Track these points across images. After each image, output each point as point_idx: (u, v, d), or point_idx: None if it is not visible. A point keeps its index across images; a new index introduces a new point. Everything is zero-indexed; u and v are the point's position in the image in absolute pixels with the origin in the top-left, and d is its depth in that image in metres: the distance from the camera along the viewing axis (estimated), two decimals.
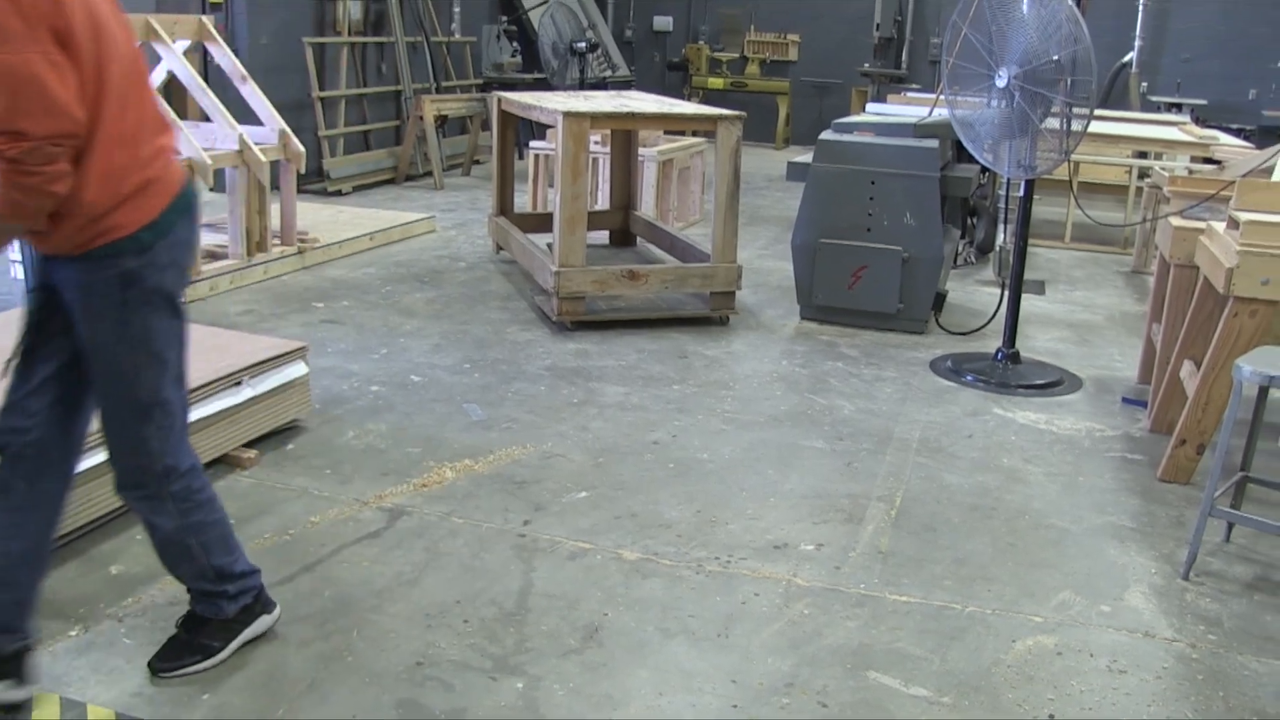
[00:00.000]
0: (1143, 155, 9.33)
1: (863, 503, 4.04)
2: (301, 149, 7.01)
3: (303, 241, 7.19)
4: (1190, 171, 7.15)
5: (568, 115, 5.78)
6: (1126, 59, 13.65)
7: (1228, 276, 3.99)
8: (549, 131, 8.24)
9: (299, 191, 7.44)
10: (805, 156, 6.42)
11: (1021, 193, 5.54)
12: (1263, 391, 3.78)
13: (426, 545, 3.56)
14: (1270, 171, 5.11)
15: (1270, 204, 4.17)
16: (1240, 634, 3.31)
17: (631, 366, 5.43)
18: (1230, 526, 3.90)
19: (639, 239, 7.93)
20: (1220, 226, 4.35)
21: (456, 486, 4.01)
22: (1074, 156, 5.34)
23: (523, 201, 8.69)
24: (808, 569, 3.52)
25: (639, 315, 6.13)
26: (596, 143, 8.37)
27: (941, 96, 5.75)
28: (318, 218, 7.96)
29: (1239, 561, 3.77)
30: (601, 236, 7.95)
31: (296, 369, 4.39)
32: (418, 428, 4.56)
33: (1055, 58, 5.12)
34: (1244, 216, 4.05)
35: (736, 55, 15.59)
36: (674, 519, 3.83)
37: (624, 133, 7.90)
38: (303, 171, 7.20)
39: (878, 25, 14.80)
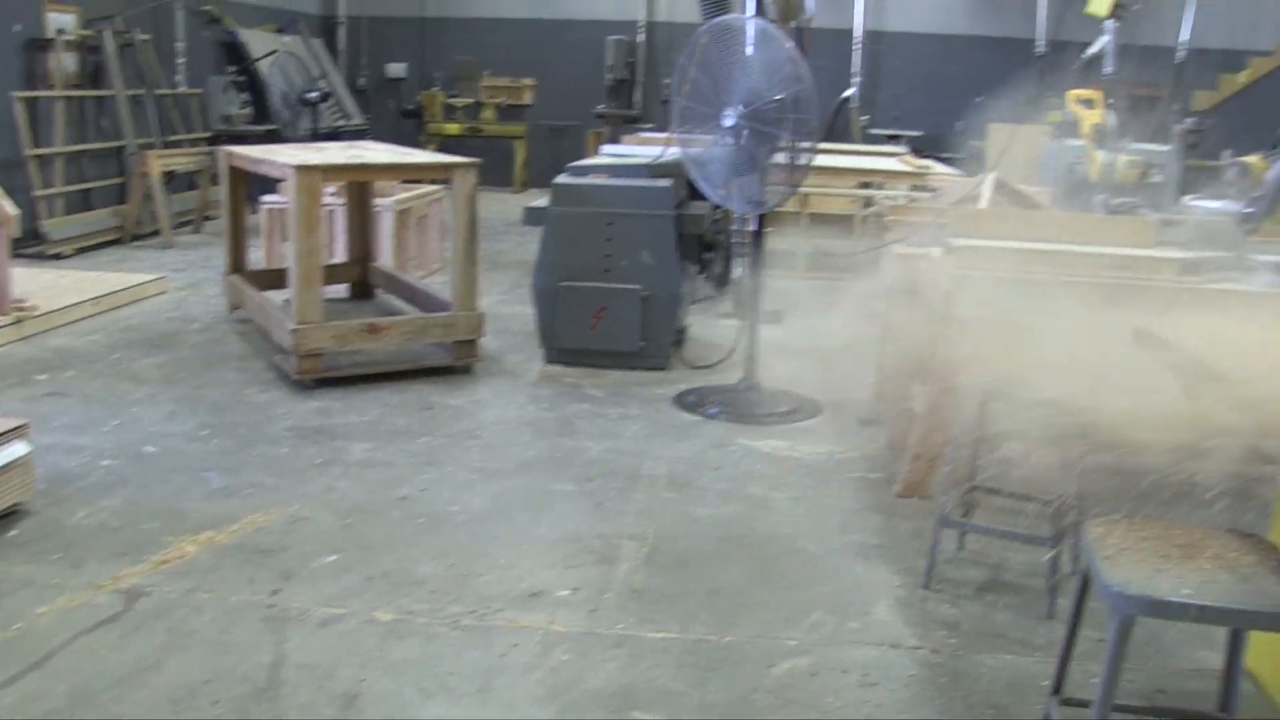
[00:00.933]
0: (867, 185, 9.80)
1: (615, 542, 4.05)
2: (13, 211, 6.59)
3: (19, 310, 6.74)
4: (909, 201, 7.54)
5: (299, 169, 5.63)
6: (847, 95, 14.36)
7: (945, 299, 4.21)
8: (281, 185, 8.02)
9: (14, 256, 6.99)
10: (543, 200, 6.45)
11: (754, 227, 5.71)
12: (983, 404, 3.98)
13: (169, 626, 3.36)
14: (978, 198, 5.44)
15: (980, 230, 4.43)
16: (976, 634, 3.48)
17: (376, 422, 5.31)
18: (963, 534, 4.10)
19: (379, 291, 7.79)
20: (937, 252, 4.59)
21: (199, 560, 3.81)
22: (803, 189, 5.55)
23: (257, 258, 8.42)
24: (565, 614, 3.51)
25: (382, 369, 6.00)
26: (331, 194, 8.20)
27: (674, 137, 5.87)
28: (37, 283, 7.48)
29: (972, 566, 3.97)
30: (340, 290, 7.77)
31: (16, 449, 4.09)
32: (154, 501, 4.31)
33: (779, 97, 5.31)
34: (957, 242, 4.29)
35: (472, 101, 15.58)
36: (427, 575, 3.74)
37: (358, 183, 7.76)
38: (17, 235, 6.77)
39: (610, 67, 15.08)
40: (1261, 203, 4.59)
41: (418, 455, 4.88)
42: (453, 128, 15.08)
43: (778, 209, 5.69)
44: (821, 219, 10.42)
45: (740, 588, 3.73)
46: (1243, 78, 14.55)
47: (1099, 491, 4.34)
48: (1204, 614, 2.31)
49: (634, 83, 15.40)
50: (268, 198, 8.67)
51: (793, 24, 7.09)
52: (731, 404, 5.61)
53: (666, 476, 4.73)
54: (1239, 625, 2.44)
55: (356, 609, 3.50)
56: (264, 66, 12.10)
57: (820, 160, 8.39)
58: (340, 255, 8.12)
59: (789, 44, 5.24)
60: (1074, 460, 3.80)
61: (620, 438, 5.20)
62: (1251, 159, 4.64)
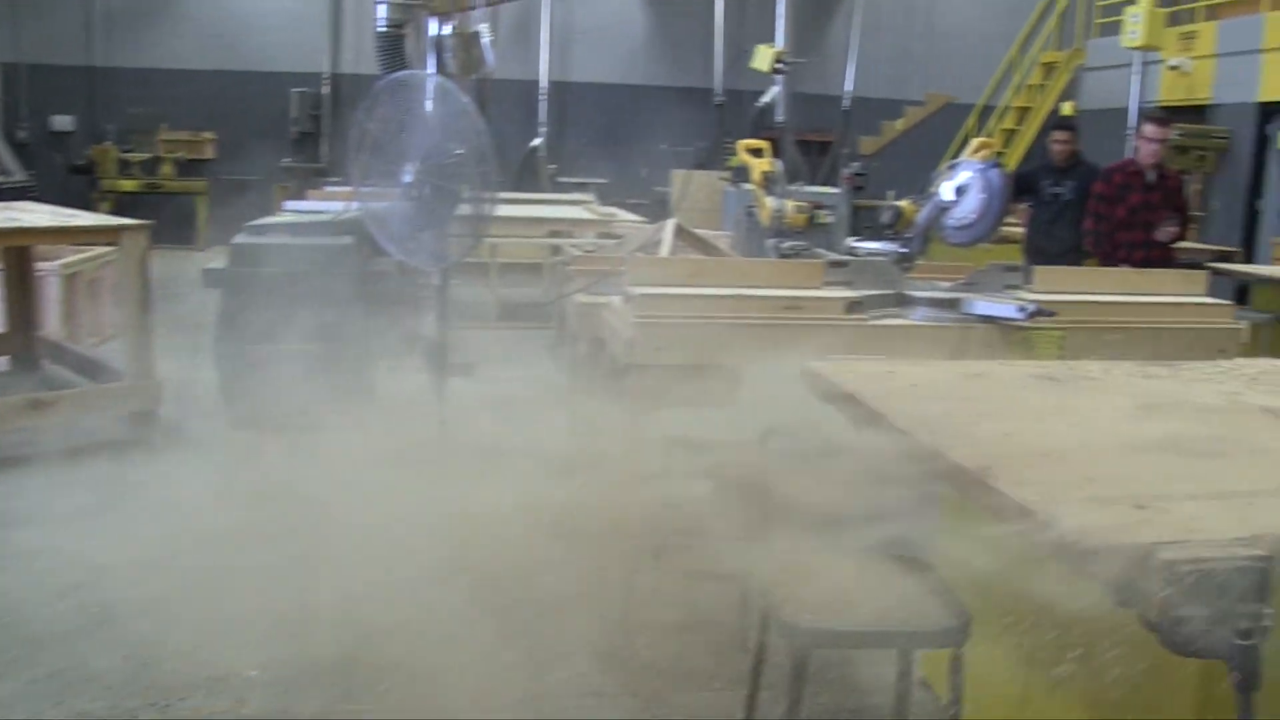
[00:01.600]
0: (557, 234, 9.95)
1: (312, 614, 3.90)
2: None
3: None
4: (592, 248, 7.69)
5: None
6: (535, 144, 14.58)
7: (627, 346, 4.31)
8: None
9: None
10: (222, 261, 6.22)
11: (439, 281, 5.68)
12: (668, 448, 4.08)
13: None
14: (660, 245, 5.60)
15: (658, 277, 4.56)
16: (674, 674, 3.58)
17: (46, 504, 4.94)
18: (658, 577, 4.17)
19: (45, 362, 7.28)
20: (618, 300, 4.69)
21: None
22: (492, 239, 5.56)
23: None
24: (254, 695, 3.35)
25: (51, 447, 5.60)
26: None
27: (355, 192, 5.78)
28: None
29: (669, 608, 4.04)
30: (1, 364, 7.23)
31: None
32: None
33: (458, 151, 5.31)
34: (636, 290, 4.39)
35: (149, 155, 14.89)
36: (102, 669, 3.50)
37: (17, 248, 7.25)
38: None
39: (294, 120, 14.76)
40: (915, 243, 4.95)
41: (92, 538, 4.56)
42: (129, 184, 14.38)
43: (465, 261, 5.68)
44: (512, 268, 10.51)
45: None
46: (900, 124, 15.70)
47: (777, 524, 4.55)
48: (870, 639, 2.44)
49: (319, 135, 15.13)
50: None
51: (474, 77, 7.14)
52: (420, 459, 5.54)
53: (364, 538, 4.60)
54: (905, 646, 2.59)
55: (19, 713, 3.24)
56: None
57: (507, 210, 8.45)
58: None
59: (466, 99, 5.25)
60: (754, 498, 3.96)
61: (314, 502, 5.02)
62: (903, 203, 4.99)
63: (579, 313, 5.07)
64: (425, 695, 3.38)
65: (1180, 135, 12.19)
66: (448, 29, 5.76)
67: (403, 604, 4.02)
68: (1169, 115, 10.99)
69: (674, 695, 3.43)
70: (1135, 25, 12.52)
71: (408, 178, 5.29)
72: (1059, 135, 8.05)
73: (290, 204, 8.58)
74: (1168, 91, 13.53)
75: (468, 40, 5.95)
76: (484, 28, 6.06)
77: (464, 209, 5.42)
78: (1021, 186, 7.95)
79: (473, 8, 7.19)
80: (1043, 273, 5.10)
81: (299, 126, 14.80)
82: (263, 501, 5.03)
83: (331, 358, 5.94)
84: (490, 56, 6.30)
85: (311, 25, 14.97)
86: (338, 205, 6.95)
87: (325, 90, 15.18)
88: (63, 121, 15.09)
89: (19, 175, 13.82)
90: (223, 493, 5.16)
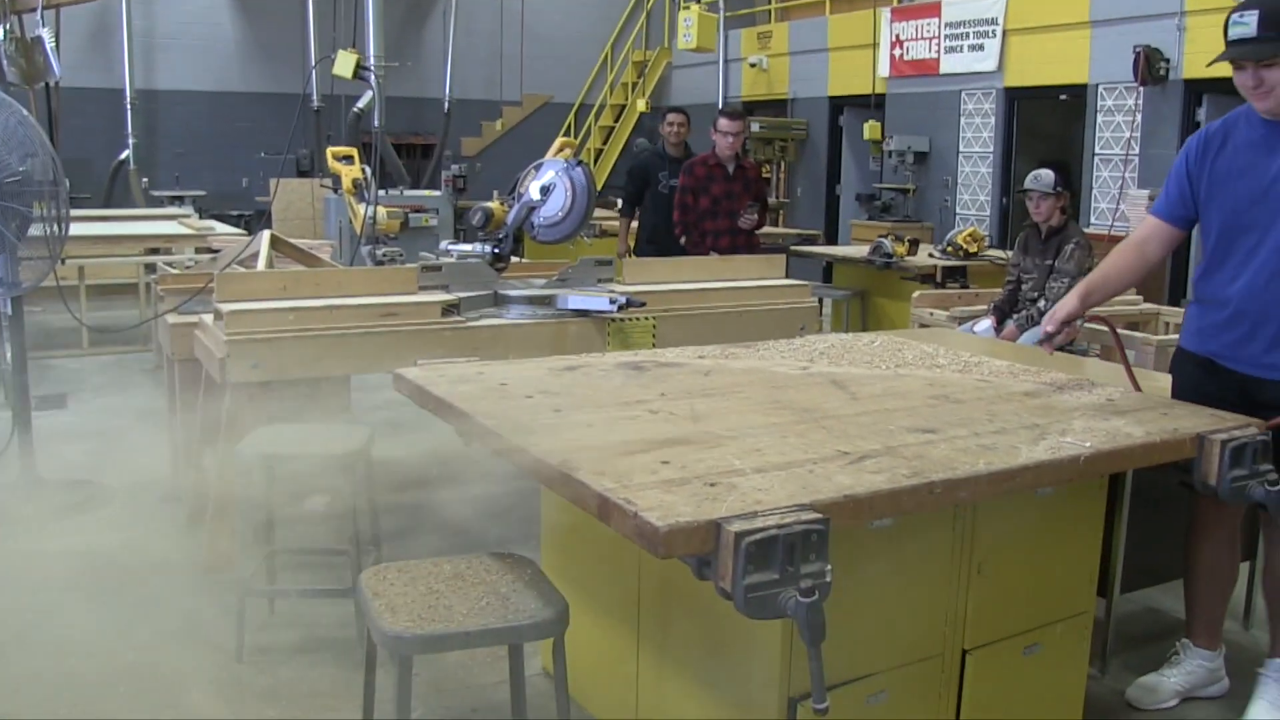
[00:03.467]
0: (155, 250, 9.44)
1: None
2: None
3: None
4: (191, 264, 7.37)
5: None
6: (124, 156, 13.75)
7: (221, 365, 4.16)
8: None
9: None
10: None
11: (9, 309, 5.27)
12: (268, 467, 3.97)
13: None
14: (256, 257, 5.43)
15: (250, 292, 4.42)
16: (293, 698, 3.50)
17: None
18: (271, 600, 4.07)
19: None
20: (210, 318, 4.52)
21: None
22: (80, 260, 5.21)
23: None
24: None
25: None
26: None
27: None
28: None
29: (286, 629, 3.96)
30: None
31: None
32: None
33: (21, 168, 4.95)
34: (226, 308, 4.24)
35: None
36: None
37: None
38: None
39: None
40: (506, 243, 5.04)
41: None
42: None
43: (47, 283, 5.29)
44: (106, 290, 9.88)
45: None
46: (500, 125, 15.95)
47: (393, 533, 4.55)
48: (472, 639, 2.49)
49: None
50: None
51: (38, 85, 6.68)
52: (8, 505, 5.12)
53: None
54: (507, 641, 2.65)
55: None
56: None
57: (98, 228, 7.98)
58: None
59: (20, 109, 4.89)
60: (365, 507, 3.93)
61: None
62: (493, 204, 5.07)
63: (172, 334, 4.84)
64: None
65: (762, 128, 13.06)
66: (1, 35, 5.35)
67: None
68: (747, 110, 11.75)
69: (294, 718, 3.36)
70: (689, 29, 13.44)
71: None
72: (675, 117, 8.18)
73: None
74: (750, 88, 14.45)
75: (28, 47, 5.55)
76: (45, 33, 5.66)
77: (35, 229, 5.06)
78: (638, 183, 8.13)
79: (31, 9, 6.68)
80: (631, 265, 5.33)
81: None
82: None
83: None
84: (55, 64, 5.91)
85: None
86: None
87: None
88: None
89: None
90: None
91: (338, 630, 3.94)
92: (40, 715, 3.38)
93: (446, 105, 14.69)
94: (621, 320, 4.71)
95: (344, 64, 6.25)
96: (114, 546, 4.74)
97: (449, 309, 4.56)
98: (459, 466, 5.68)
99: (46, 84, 6.89)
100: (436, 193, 9.30)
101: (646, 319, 4.78)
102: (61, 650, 3.80)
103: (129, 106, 13.92)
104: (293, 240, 6.07)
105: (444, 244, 5.24)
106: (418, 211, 6.23)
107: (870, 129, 12.33)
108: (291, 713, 3.40)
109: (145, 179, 13.85)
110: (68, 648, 3.82)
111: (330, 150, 5.77)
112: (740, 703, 2.71)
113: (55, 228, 5.06)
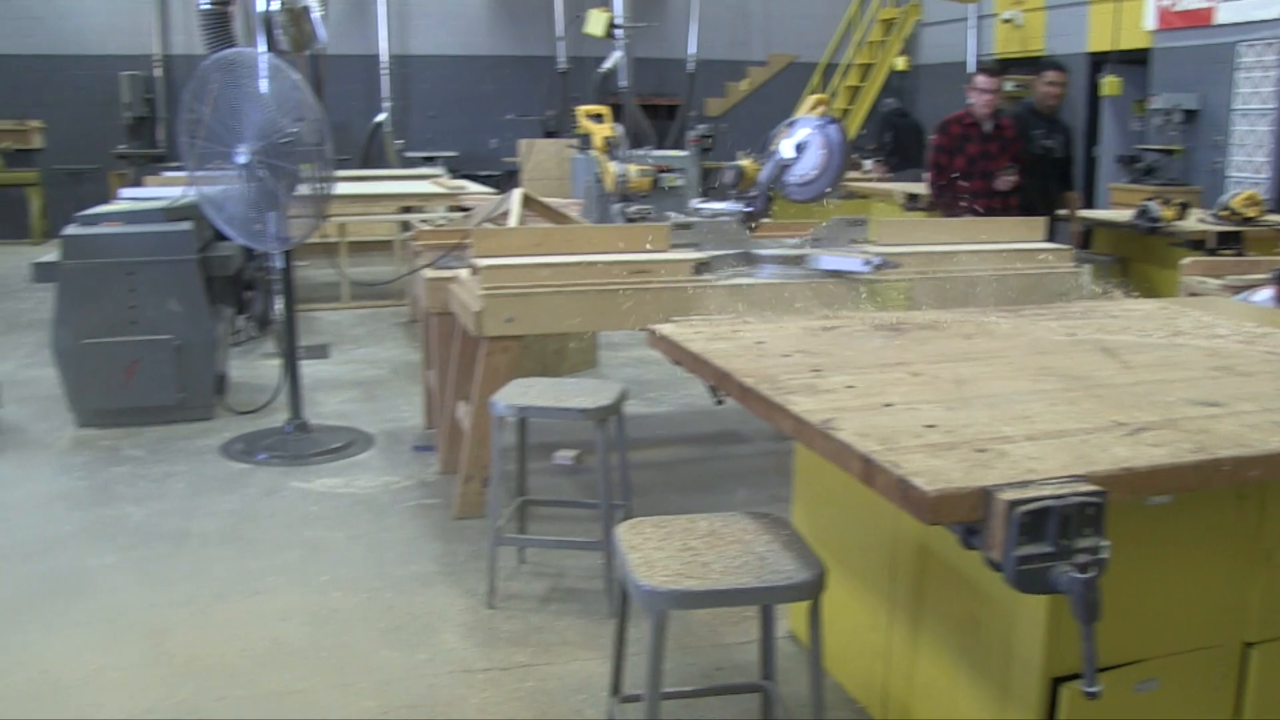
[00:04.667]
0: (408, 209, 9.79)
1: (165, 613, 3.79)
2: None
3: None
4: (444, 222, 7.58)
5: None
6: (380, 119, 14.31)
7: (477, 319, 4.26)
8: None
9: None
10: (54, 254, 5.96)
11: (282, 263, 5.54)
12: (520, 420, 4.05)
13: None
14: (508, 215, 5.53)
15: (505, 248, 4.50)
16: (542, 646, 3.56)
17: None
18: (520, 549, 4.16)
19: None
20: (466, 273, 4.63)
21: None
22: (340, 218, 5.44)
23: None
24: (112, 700, 3.24)
25: None
26: None
27: (191, 177, 5.59)
28: None
29: (534, 579, 4.05)
30: None
31: None
32: None
33: (293, 130, 5.18)
34: (482, 262, 4.34)
35: None
36: None
37: None
38: None
39: (127, 105, 14.20)
40: (758, 201, 4.97)
41: None
42: None
43: (312, 240, 5.56)
44: (362, 247, 10.33)
45: (296, 645, 3.60)
46: (745, 85, 15.83)
47: (638, 488, 4.57)
48: (727, 597, 2.45)
49: (155, 120, 14.60)
50: None
51: (307, 53, 6.96)
52: (281, 447, 5.42)
53: (217, 532, 4.49)
54: (762, 602, 2.61)
55: None
56: None
57: (356, 188, 8.31)
58: None
59: (296, 75, 5.11)
60: (617, 462, 3.96)
61: (165, 498, 4.88)
62: (745, 162, 5.01)
63: (428, 288, 4.98)
64: (293, 682, 3.31)
65: (1016, 86, 12.54)
66: (275, 4, 5.59)
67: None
68: (1003, 66, 11.28)
69: (542, 667, 3.42)
70: None
71: (242, 159, 5.14)
72: (1055, 75, 7.67)
73: (126, 192, 8.25)
74: (1003, 44, 13.88)
75: (297, 15, 5.77)
76: (314, 2, 5.89)
77: (303, 189, 5.30)
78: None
79: None
80: (884, 226, 5.18)
81: (132, 111, 14.23)
82: (115, 500, 4.87)
83: (178, 346, 5.76)
84: (322, 31, 6.13)
85: (138, 5, 14.39)
86: (175, 191, 6.70)
87: (157, 73, 14.63)
88: None
89: None
90: (69, 494, 4.97)
91: (584, 582, 3.99)
92: (306, 644, 3.54)
93: (692, 65, 14.66)
94: (875, 282, 4.59)
95: (596, 22, 6.29)
96: (372, 490, 4.95)
97: (700, 267, 4.54)
98: (704, 425, 5.70)
99: (313, 51, 7.18)
100: (683, 153, 9.29)
101: (901, 281, 4.64)
102: (328, 585, 3.98)
103: (384, 72, 14.48)
104: (542, 199, 6.16)
105: (694, 202, 5.22)
106: (665, 171, 6.21)
107: (1110, 84, 11.65)
108: (540, 659, 3.46)
109: (400, 141, 14.38)
110: (332, 583, 4.00)
111: (581, 109, 5.82)
112: (998, 681, 2.59)
113: (321, 187, 5.28)
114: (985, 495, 1.99)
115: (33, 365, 7.31)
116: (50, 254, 6.02)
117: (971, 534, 2.05)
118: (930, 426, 2.33)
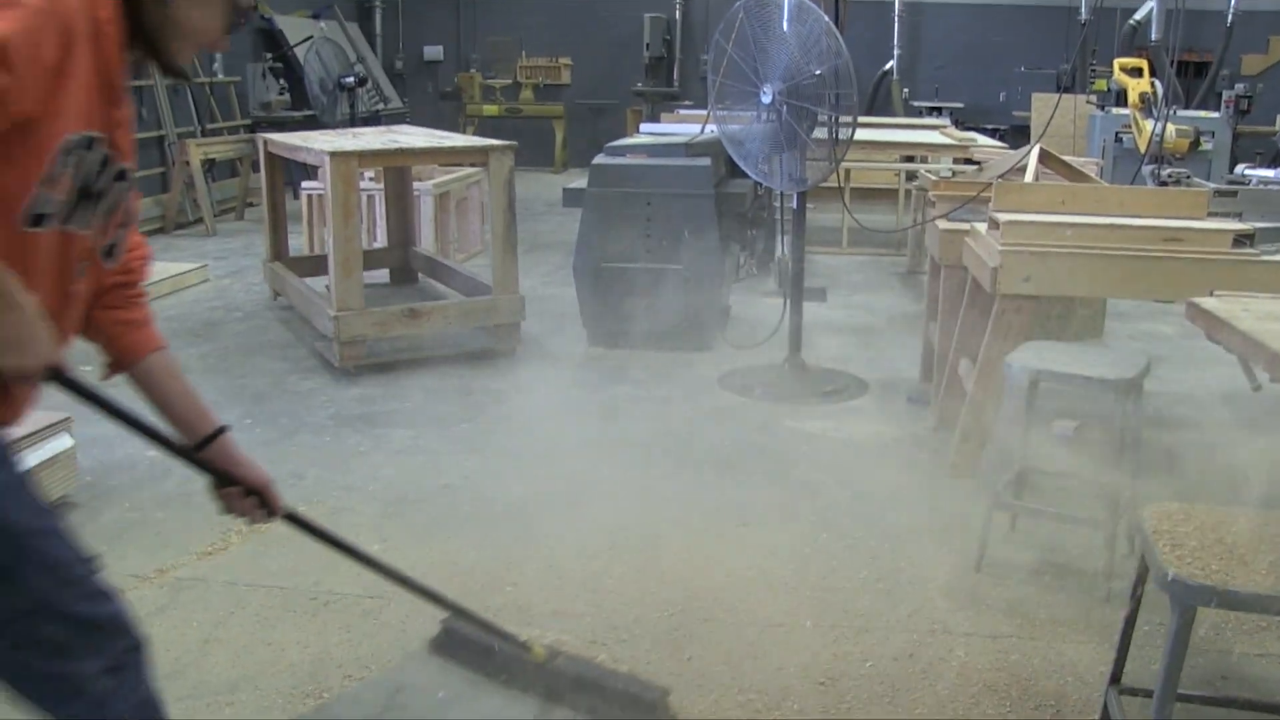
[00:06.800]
0: (910, 159, 9.68)
1: (658, 529, 3.98)
2: None
3: None
4: (953, 174, 7.42)
5: (334, 155, 5.60)
6: (888, 67, 14.21)
7: (993, 275, 4.12)
8: (319, 171, 8.00)
9: None
10: (582, 181, 6.40)
11: (795, 204, 5.63)
12: (1033, 384, 3.89)
13: (214, 618, 3.34)
14: (1024, 171, 5.32)
15: (1025, 204, 4.33)
16: (1029, 619, 3.41)
17: (418, 408, 5.28)
18: (1015, 516, 4.01)
19: (420, 275, 7.76)
20: (983, 227, 4.49)
21: (242, 551, 3.79)
22: (845, 164, 5.46)
23: (298, 244, 8.39)
24: (606, 606, 3.45)
25: (424, 354, 5.98)
26: (370, 179, 8.19)
27: (712, 114, 5.80)
28: None
29: (1025, 548, 3.88)
30: (382, 275, 7.75)
31: (61, 442, 4.09)
32: (198, 493, 4.28)
33: (817, 72, 5.22)
34: (1003, 217, 4.19)
35: (510, 81, 15.55)
36: (471, 565, 3.70)
37: (396, 168, 7.73)
38: None
39: (648, 45, 14.97)
40: None
41: (460, 442, 4.85)
42: (491, 109, 15.05)
43: (819, 185, 5.61)
44: (864, 194, 10.32)
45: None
46: None
47: (1151, 472, 4.26)
48: (1270, 604, 2.23)
49: (672, 60, 15.31)
50: (308, 184, 8.68)
51: None
52: (776, 384, 5.54)
53: (711, 461, 4.66)
54: None
55: (401, 598, 3.46)
56: (300, 52, 12.10)
57: (861, 135, 8.30)
58: (381, 240, 8.11)
59: (825, 18, 5.14)
60: (1126, 441, 3.72)
61: (665, 420, 5.14)
62: None
63: (940, 239, 4.89)
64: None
65: None
66: None
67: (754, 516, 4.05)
68: None
69: (1027, 641, 3.28)
70: None
71: (766, 99, 5.25)
72: None
73: (646, 126, 8.71)
74: None
75: None
76: None
77: (820, 132, 5.34)
78: None
79: None
80: None
81: (651, 51, 15.00)
82: (620, 417, 5.18)
83: (687, 278, 6.02)
84: None
85: None
86: (692, 128, 6.98)
87: (678, 15, 15.31)
88: (433, 52, 15.98)
89: (396, 102, 14.77)
90: (580, 407, 5.34)
91: (1080, 560, 3.79)
92: (792, 580, 3.60)
93: (1230, 18, 13.40)
94: None
95: None
96: (863, 437, 4.95)
97: (1241, 239, 4.14)
98: (1228, 411, 5.24)
99: None
100: (1214, 114, 8.56)
101: None
102: (815, 526, 4.03)
103: (896, 18, 14.33)
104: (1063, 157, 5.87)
105: (1241, 168, 4.78)
106: (1200, 134, 5.75)
107: None
108: (1026, 633, 3.32)
109: (906, 89, 14.22)
110: (820, 525, 4.04)
111: (1118, 61, 5.49)
112: None
113: (841, 131, 5.29)
114: None
115: (550, 284, 7.91)
116: (578, 181, 6.47)
117: None
118: None
